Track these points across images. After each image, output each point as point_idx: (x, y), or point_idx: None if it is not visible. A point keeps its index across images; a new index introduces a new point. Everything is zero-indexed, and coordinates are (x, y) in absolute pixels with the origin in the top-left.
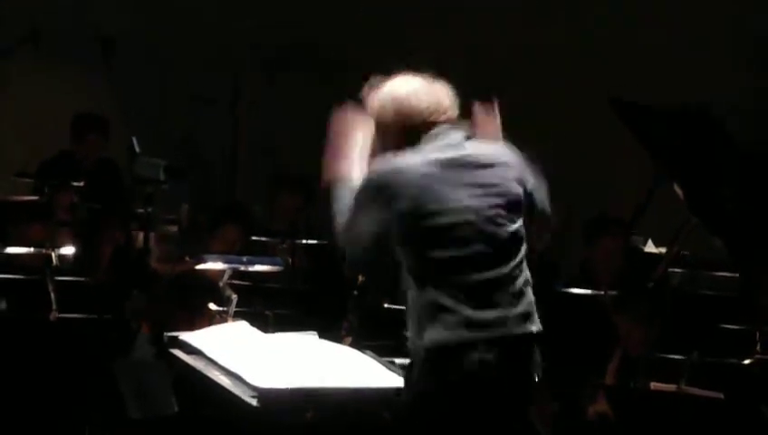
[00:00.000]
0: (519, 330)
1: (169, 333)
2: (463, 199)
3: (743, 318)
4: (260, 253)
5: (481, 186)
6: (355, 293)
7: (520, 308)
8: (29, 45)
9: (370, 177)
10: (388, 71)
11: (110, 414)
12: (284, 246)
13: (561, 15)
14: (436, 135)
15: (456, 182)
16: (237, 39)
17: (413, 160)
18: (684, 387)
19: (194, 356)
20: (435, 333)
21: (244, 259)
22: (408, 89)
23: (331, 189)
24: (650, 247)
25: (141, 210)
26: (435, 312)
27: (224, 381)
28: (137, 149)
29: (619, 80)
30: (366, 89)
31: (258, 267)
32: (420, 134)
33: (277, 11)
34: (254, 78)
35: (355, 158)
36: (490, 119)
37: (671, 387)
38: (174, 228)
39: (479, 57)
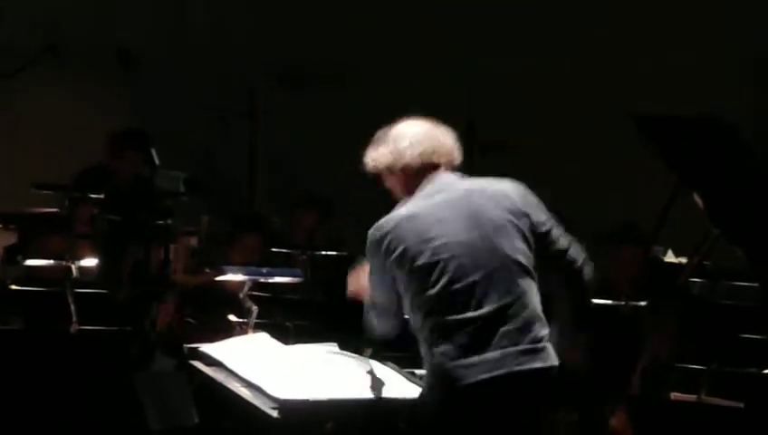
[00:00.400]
0: (519, 367)
1: (189, 345)
2: (453, 234)
3: (763, 327)
4: (280, 265)
5: (473, 217)
6: None
7: (524, 345)
8: (48, 58)
9: (369, 239)
10: (403, 85)
11: (131, 426)
12: (304, 257)
13: (570, 29)
14: (432, 179)
15: (445, 218)
16: (255, 53)
17: (403, 209)
18: (704, 397)
19: (214, 368)
20: (435, 378)
21: (264, 271)
22: (408, 136)
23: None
24: (670, 257)
25: (161, 222)
26: (432, 360)
27: (244, 392)
28: (156, 162)
29: (625, 93)
30: (372, 142)
31: (278, 279)
32: (421, 177)
33: (294, 25)
34: (271, 91)
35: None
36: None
37: (691, 397)
38: (194, 240)
39: (493, 70)
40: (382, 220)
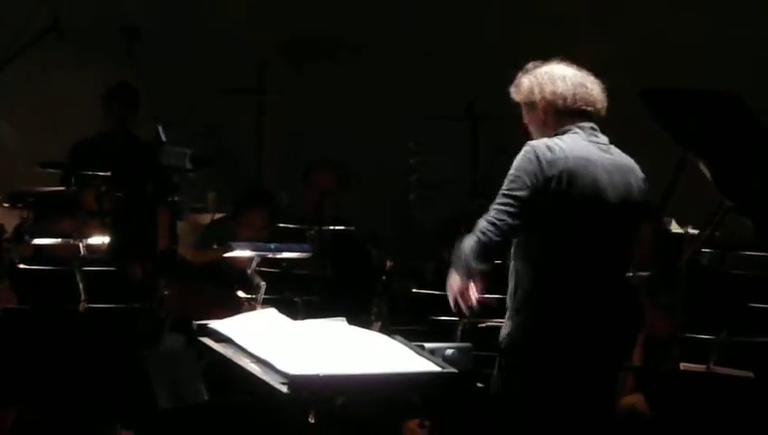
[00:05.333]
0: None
1: (198, 322)
2: None
3: None
4: (288, 240)
5: None
6: (383, 278)
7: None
8: (51, 37)
9: None
10: (404, 60)
11: (141, 404)
12: (312, 232)
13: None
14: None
15: None
16: (262, 27)
17: None
18: (713, 367)
19: (223, 344)
20: None
21: (272, 246)
22: (560, 74)
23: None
24: (675, 228)
25: (168, 199)
26: None
27: (254, 368)
28: (163, 139)
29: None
30: (520, 74)
31: (286, 254)
32: (564, 118)
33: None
34: (278, 66)
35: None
36: None
37: (700, 367)
38: (203, 217)
39: (496, 46)
40: None
